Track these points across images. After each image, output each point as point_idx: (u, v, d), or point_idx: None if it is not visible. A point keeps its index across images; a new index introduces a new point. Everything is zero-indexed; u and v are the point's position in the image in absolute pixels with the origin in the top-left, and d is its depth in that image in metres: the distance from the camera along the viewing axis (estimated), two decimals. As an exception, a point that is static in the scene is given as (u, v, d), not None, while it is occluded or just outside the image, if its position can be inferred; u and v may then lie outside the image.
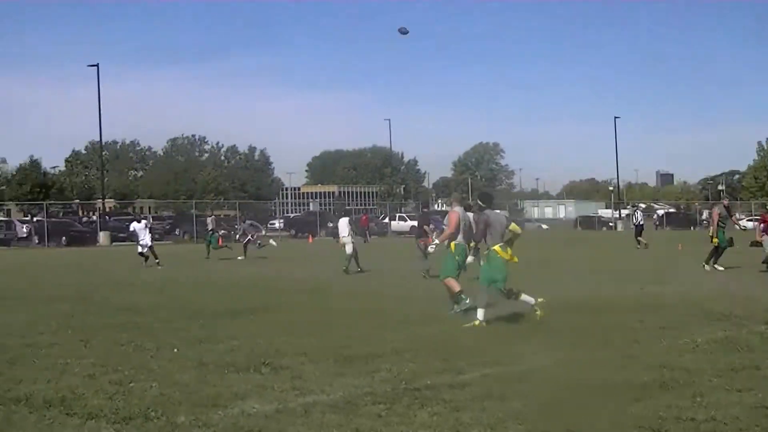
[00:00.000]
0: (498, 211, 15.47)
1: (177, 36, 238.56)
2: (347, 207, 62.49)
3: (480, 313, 13.61)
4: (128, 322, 14.67)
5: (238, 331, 13.25)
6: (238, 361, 10.56)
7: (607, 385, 8.98)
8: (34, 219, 72.14)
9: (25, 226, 66.91)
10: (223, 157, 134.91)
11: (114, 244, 60.86)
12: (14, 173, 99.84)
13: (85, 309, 17.07)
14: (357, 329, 13.41)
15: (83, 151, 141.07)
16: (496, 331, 12.97)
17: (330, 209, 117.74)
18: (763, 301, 16.40)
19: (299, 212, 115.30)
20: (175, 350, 11.49)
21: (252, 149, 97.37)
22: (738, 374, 9.35)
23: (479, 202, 14.89)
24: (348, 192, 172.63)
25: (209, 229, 40.37)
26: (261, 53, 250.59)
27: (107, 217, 74.41)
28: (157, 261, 32.45)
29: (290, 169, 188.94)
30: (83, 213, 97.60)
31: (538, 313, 13.86)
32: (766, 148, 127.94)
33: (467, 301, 14.87)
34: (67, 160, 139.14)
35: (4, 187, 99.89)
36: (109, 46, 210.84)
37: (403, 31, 46.01)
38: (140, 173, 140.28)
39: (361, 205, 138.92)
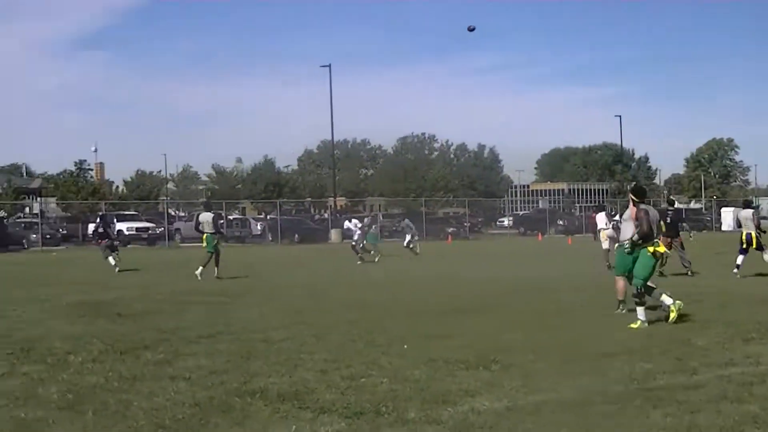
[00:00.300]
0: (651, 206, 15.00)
1: (407, 35, 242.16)
2: (602, 203, 61.66)
3: (641, 313, 13.41)
4: (359, 318, 15.01)
5: (467, 328, 13.34)
6: (467, 357, 10.61)
7: None
8: (268, 217, 74.81)
9: (259, 224, 69.59)
10: (452, 155, 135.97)
11: (345, 241, 62.34)
12: (249, 172, 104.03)
13: (317, 305, 17.59)
14: (586, 327, 13.25)
15: (315, 151, 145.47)
16: (726, 331, 12.47)
17: (560, 207, 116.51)
18: None
19: (528, 210, 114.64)
20: (405, 346, 11.65)
21: (481, 147, 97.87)
22: None
23: (632, 196, 14.51)
24: (577, 189, 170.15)
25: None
26: (490, 52, 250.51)
27: (338, 215, 76.33)
28: (359, 256, 34.64)
29: (519, 166, 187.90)
30: (315, 211, 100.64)
31: (673, 315, 13.50)
32: None
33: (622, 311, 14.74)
34: (299, 159, 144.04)
35: (239, 186, 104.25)
36: (340, 46, 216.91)
37: (471, 29, 47.20)
38: (370, 171, 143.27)
39: (590, 202, 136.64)
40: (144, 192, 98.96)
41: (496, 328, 13.30)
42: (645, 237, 13.87)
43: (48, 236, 56.65)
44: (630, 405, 8.05)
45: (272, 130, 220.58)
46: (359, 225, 36.88)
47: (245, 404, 8.34)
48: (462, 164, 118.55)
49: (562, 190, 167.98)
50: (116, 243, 33.41)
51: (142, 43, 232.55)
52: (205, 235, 26.11)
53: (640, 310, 13.46)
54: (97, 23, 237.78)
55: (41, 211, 69.51)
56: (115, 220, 60.06)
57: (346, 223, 36.99)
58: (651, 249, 13.84)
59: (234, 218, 68.02)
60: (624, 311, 14.75)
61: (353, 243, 36.62)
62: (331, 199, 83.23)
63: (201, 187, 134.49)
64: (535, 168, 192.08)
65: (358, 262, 33.27)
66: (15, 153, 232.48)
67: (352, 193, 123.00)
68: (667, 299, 13.76)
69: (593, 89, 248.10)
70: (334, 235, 63.72)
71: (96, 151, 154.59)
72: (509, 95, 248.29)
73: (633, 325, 13.23)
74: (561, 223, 75.91)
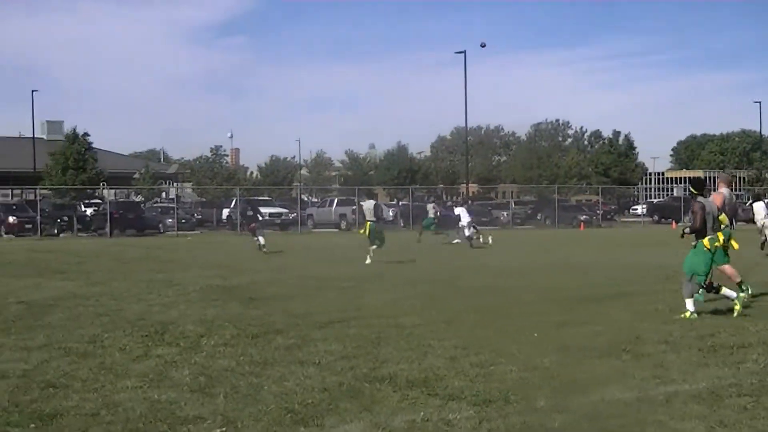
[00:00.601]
0: (710, 198, 14.54)
1: (543, 20, 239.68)
2: (760, 193, 59.91)
3: (689, 304, 13.18)
4: (489, 305, 14.97)
5: (599, 317, 13.19)
6: (598, 346, 10.51)
7: None
8: (400, 203, 75.06)
9: (391, 210, 69.91)
10: (586, 142, 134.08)
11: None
12: (382, 158, 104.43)
13: (448, 291, 17.60)
14: (721, 318, 12.96)
15: (448, 137, 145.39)
16: None
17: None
18: None
19: (663, 198, 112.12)
20: (535, 334, 11.59)
21: (616, 134, 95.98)
22: None
23: (691, 189, 14.21)
24: (713, 177, 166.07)
25: (430, 215, 44.64)
26: (626, 37, 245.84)
27: (470, 201, 76.15)
28: (470, 243, 35.21)
29: (655, 153, 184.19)
30: (447, 197, 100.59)
31: (737, 308, 13.17)
32: None
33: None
34: (432, 146, 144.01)
35: (372, 172, 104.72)
36: (475, 33, 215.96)
37: (483, 45, 60.79)
38: (503, 158, 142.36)
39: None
40: (278, 178, 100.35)
41: (628, 317, 13.12)
42: (696, 232, 13.63)
43: (183, 221, 58.01)
44: (765, 397, 7.87)
45: (406, 117, 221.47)
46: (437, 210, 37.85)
47: (374, 390, 8.42)
48: (596, 151, 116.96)
49: (699, 177, 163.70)
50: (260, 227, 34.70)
51: (280, 28, 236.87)
52: (367, 222, 26.69)
53: (728, 291, 13.41)
54: (236, 8, 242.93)
55: (177, 196, 71.23)
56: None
57: (458, 209, 37.96)
58: (707, 243, 13.51)
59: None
60: (749, 293, 14.57)
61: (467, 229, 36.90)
62: (464, 185, 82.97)
63: (334, 173, 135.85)
64: (671, 155, 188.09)
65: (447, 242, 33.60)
66: (153, 139, 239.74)
67: (485, 180, 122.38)
68: (730, 293, 13.49)
69: (732, 74, 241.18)
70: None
71: (232, 136, 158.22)
72: (645, 81, 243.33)
73: (683, 315, 13.07)
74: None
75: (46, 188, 62.40)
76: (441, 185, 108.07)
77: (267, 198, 70.75)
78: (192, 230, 56.84)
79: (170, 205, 62.76)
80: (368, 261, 25.41)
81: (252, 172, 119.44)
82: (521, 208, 72.89)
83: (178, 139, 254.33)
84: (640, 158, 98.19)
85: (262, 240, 32.24)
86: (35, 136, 76.57)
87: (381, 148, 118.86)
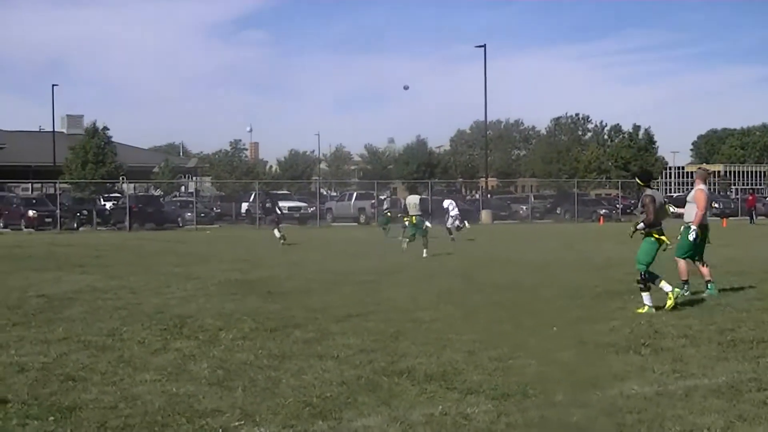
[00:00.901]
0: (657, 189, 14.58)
1: (563, 14, 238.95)
2: None
3: (666, 286, 13.34)
4: (508, 299, 14.96)
5: (618, 311, 13.17)
6: (617, 341, 10.49)
7: None
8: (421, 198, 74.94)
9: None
10: (606, 136, 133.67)
11: (495, 222, 62.16)
12: (401, 152, 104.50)
13: (466, 286, 17.58)
14: (745, 312, 12.89)
15: (467, 131, 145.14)
16: None
17: (715, 189, 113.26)
18: None
19: (683, 192, 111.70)
20: (554, 329, 11.59)
21: (636, 128, 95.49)
22: None
23: (638, 181, 14.23)
24: (734, 171, 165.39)
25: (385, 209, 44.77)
26: (645, 31, 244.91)
27: (489, 196, 76.05)
28: (452, 237, 35.05)
29: (675, 147, 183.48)
30: (466, 191, 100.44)
31: (669, 302, 13.16)
32: None
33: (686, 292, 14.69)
34: (452, 140, 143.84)
35: (391, 166, 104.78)
36: (496, 27, 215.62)
37: (406, 87, 65.04)
38: (523, 152, 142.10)
39: (747, 185, 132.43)
40: (297, 172, 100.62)
41: (648, 312, 13.06)
42: (650, 225, 13.58)
43: (202, 215, 58.30)
44: (786, 393, 7.83)
45: (425, 111, 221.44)
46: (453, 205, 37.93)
47: (392, 384, 8.43)
48: (615, 145, 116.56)
49: (718, 171, 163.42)
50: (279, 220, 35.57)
51: (299, 22, 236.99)
52: (413, 217, 27.03)
53: (645, 295, 13.32)
54: (256, 2, 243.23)
55: (196, 190, 71.50)
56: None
57: (447, 202, 38.44)
58: (656, 234, 13.52)
59: (385, 198, 68.42)
60: (687, 293, 14.83)
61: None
62: (483, 179, 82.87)
63: (353, 167, 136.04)
64: (691, 149, 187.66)
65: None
66: (173, 133, 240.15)
67: (504, 174, 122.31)
68: (666, 286, 13.46)
69: (754, 68, 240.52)
70: (484, 215, 63.41)
71: (251, 131, 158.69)
72: (666, 75, 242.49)
73: (639, 310, 13.10)
74: (716, 205, 73.64)
75: (65, 182, 62.78)
76: (460, 179, 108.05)
77: (286, 192, 70.91)
78: (211, 224, 57.08)
79: (189, 199, 63.04)
80: (404, 246, 27.04)
81: (271, 166, 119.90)
82: (540, 202, 72.76)
83: (198, 133, 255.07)
84: (660, 152, 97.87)
85: (277, 233, 32.98)
86: (55, 130, 76.94)
87: (400, 142, 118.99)
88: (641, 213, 13.88)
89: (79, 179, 61.64)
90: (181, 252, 29.60)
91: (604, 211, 65.88)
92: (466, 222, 37.50)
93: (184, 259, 25.60)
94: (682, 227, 15.46)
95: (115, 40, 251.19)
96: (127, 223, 50.70)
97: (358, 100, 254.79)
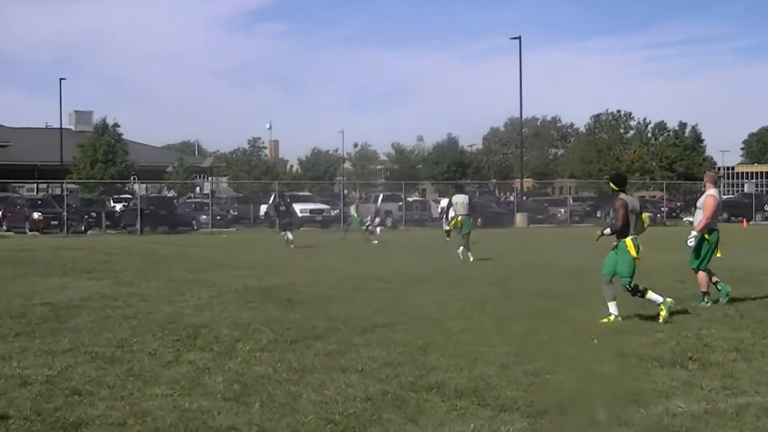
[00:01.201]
0: (632, 196, 14.60)
1: (603, 5, 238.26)
2: None
3: (612, 307, 13.33)
4: (543, 308, 14.91)
5: (664, 322, 13.06)
6: (662, 354, 10.43)
7: None
8: (448, 200, 74.75)
9: (439, 206, 69.68)
10: (649, 135, 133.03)
11: (531, 226, 61.96)
12: (430, 151, 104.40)
13: (499, 294, 17.52)
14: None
15: (501, 129, 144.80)
16: None
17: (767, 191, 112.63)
18: None
19: (733, 194, 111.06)
20: (594, 340, 11.52)
21: (682, 125, 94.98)
22: None
23: (612, 185, 14.08)
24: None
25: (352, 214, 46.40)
26: (691, 24, 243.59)
27: (524, 198, 75.92)
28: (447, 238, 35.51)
29: (724, 146, 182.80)
30: (500, 193, 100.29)
31: (663, 314, 13.09)
32: None
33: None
34: (484, 138, 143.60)
35: (420, 166, 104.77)
36: (533, 17, 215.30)
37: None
38: (560, 151, 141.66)
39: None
40: (319, 172, 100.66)
41: (695, 323, 13.01)
42: (617, 232, 13.62)
43: (218, 217, 58.54)
44: None
45: (456, 107, 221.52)
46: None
47: (420, 399, 8.40)
48: (660, 144, 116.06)
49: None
50: (291, 223, 36.94)
51: (321, 14, 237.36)
52: (459, 217, 27.17)
53: (653, 295, 13.37)
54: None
55: (212, 191, 71.70)
56: (288, 200, 61.64)
57: (443, 201, 39.93)
58: (629, 243, 13.53)
59: (413, 200, 68.38)
60: (708, 304, 14.89)
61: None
62: (518, 180, 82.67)
63: (379, 167, 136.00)
64: (741, 148, 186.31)
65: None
66: (187, 130, 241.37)
67: (541, 174, 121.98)
68: (656, 297, 13.40)
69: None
70: (519, 219, 63.26)
71: (270, 128, 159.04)
72: (714, 69, 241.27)
73: (606, 319, 13.21)
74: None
75: (73, 182, 63.14)
76: (494, 180, 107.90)
77: (308, 193, 70.98)
78: (227, 227, 57.27)
79: (205, 200, 63.18)
80: (461, 258, 26.46)
81: (292, 166, 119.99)
82: (580, 204, 72.57)
83: (214, 130, 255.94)
84: (708, 152, 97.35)
85: (290, 236, 34.30)
86: (63, 127, 77.43)
87: (429, 141, 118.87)
88: (613, 220, 13.88)
89: (87, 179, 61.98)
90: (196, 257, 29.69)
91: (647, 214, 65.62)
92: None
93: (199, 265, 25.68)
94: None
95: (127, 32, 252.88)
96: (138, 226, 50.92)
97: (383, 95, 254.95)
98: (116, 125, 66.32)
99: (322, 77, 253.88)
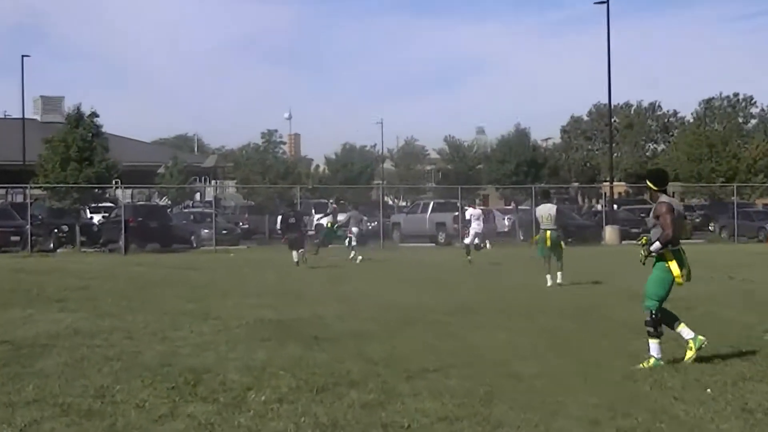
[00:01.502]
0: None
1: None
2: None
3: (654, 348, 13.33)
4: (642, 347, 14.78)
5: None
6: (796, 409, 10.34)
7: None
8: (518, 208, 74.60)
9: (506, 218, 69.55)
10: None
11: (624, 242, 61.46)
12: (494, 147, 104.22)
13: (581, 327, 17.52)
14: None
15: (585, 118, 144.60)
16: None
17: None
18: None
19: None
20: (708, 390, 11.44)
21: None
22: None
23: (649, 184, 13.89)
24: None
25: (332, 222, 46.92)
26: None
27: (615, 206, 75.56)
28: (468, 258, 36.62)
29: None
30: (584, 200, 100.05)
31: (689, 353, 13.24)
32: None
33: None
34: (563, 131, 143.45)
35: (480, 166, 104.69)
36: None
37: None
38: (661, 147, 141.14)
39: None
40: (352, 173, 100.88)
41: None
42: (667, 243, 13.39)
43: (224, 231, 58.68)
44: None
45: (526, 92, 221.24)
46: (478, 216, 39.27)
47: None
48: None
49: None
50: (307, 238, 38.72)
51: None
52: (548, 232, 27.55)
53: (653, 343, 13.32)
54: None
55: (216, 198, 72.00)
56: (313, 210, 61.66)
57: (470, 211, 40.91)
58: (669, 257, 13.43)
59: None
60: None
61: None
62: (606, 184, 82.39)
63: (429, 167, 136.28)
64: None
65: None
66: (184, 122, 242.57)
67: (636, 176, 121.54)
68: (686, 332, 13.41)
69: None
70: (609, 233, 62.86)
71: (290, 118, 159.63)
72: None
73: (643, 365, 13.13)
74: None
75: (39, 186, 63.43)
76: (576, 183, 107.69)
77: (341, 201, 71.13)
78: (236, 244, 57.42)
79: (207, 210, 63.46)
80: (549, 283, 26.81)
81: (317, 166, 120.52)
82: (687, 214, 72.09)
83: (218, 121, 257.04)
84: None
85: (295, 257, 35.79)
86: (26, 116, 77.88)
87: (492, 134, 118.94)
88: (653, 227, 13.69)
89: (57, 183, 62.28)
90: (196, 282, 29.81)
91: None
92: (488, 242, 38.52)
93: (199, 292, 25.79)
94: None
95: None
96: (122, 243, 51.28)
97: (433, 78, 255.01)
98: (94, 114, 66.44)
99: (356, 54, 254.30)
